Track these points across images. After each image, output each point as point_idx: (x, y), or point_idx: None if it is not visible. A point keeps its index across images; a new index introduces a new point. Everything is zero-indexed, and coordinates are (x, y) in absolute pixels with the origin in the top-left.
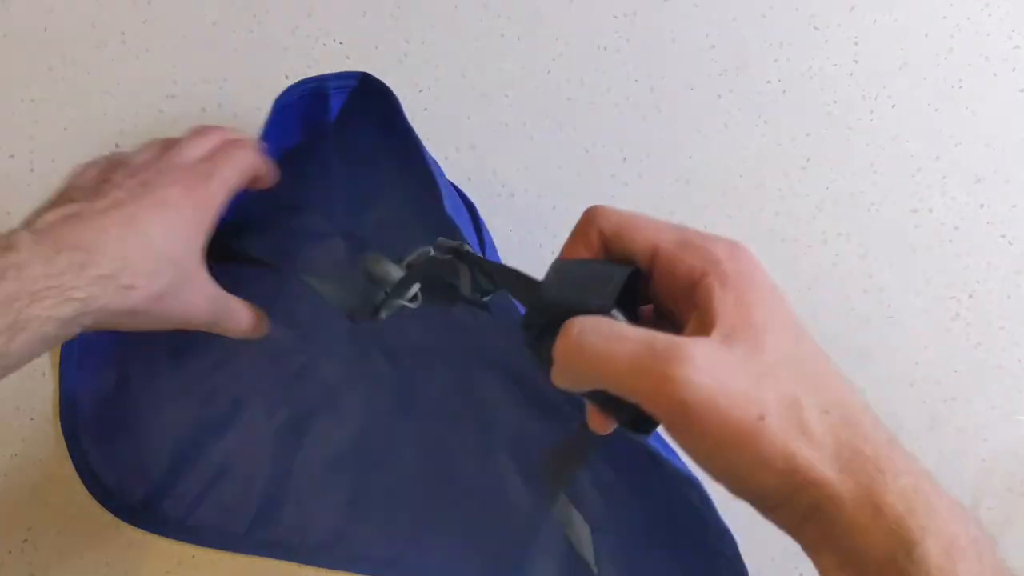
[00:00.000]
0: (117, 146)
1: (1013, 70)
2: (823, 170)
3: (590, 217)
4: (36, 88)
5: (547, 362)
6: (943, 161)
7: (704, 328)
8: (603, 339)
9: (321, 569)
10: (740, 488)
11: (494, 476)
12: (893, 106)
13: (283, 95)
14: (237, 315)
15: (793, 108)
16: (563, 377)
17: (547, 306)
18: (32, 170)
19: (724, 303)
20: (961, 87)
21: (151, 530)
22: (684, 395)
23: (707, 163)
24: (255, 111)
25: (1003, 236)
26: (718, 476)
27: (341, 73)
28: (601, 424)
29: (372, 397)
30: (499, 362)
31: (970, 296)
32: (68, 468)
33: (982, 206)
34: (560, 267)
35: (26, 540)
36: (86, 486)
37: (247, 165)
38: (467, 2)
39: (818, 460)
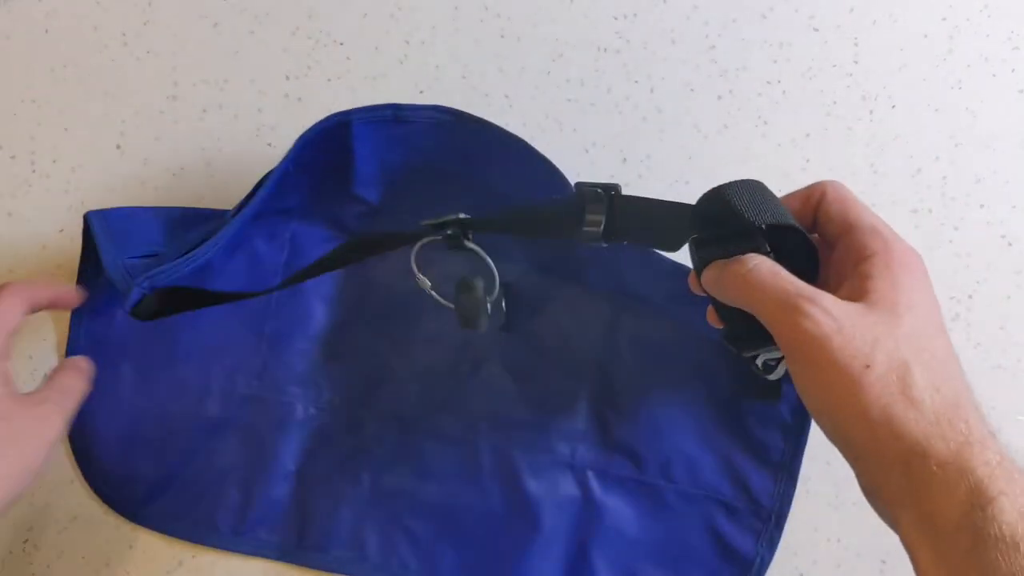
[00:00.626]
0: (118, 147)
1: (1013, 71)
2: (823, 170)
3: (823, 186)
4: (37, 89)
5: (703, 263)
6: (943, 161)
7: (855, 295)
8: (770, 274)
9: (321, 571)
10: (834, 429)
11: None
12: (893, 106)
13: (307, 132)
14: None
15: (793, 108)
16: (718, 288)
17: (725, 202)
18: (33, 171)
19: (881, 279)
20: (961, 88)
21: (152, 528)
22: (806, 326)
23: (707, 163)
24: (256, 112)
25: (1003, 236)
26: (818, 415)
27: (368, 107)
28: (715, 320)
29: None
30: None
31: (970, 296)
32: (69, 468)
33: (982, 206)
34: (743, 185)
35: (26, 540)
36: (88, 482)
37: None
38: (467, 2)
39: (914, 420)
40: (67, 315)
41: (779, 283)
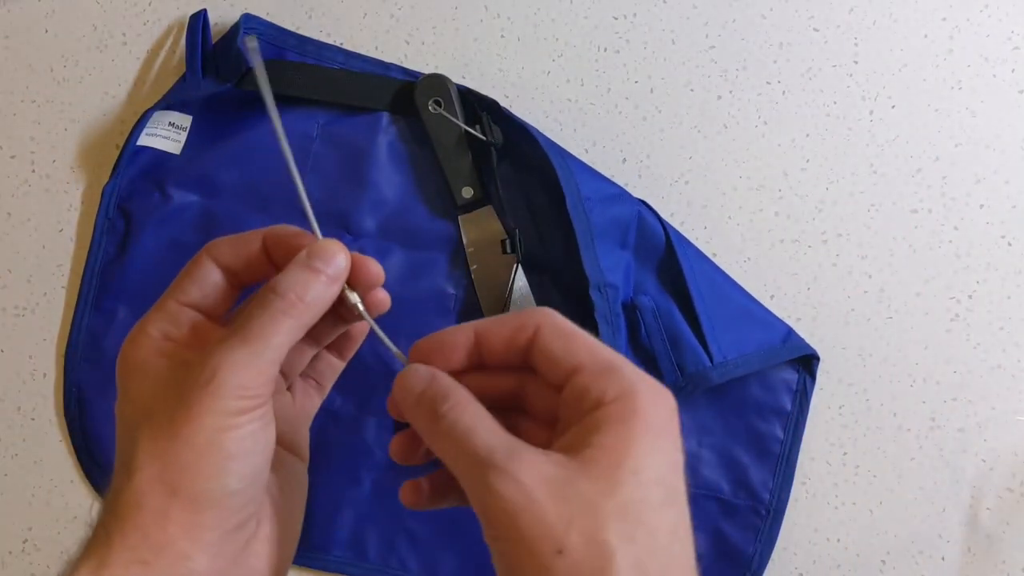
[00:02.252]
0: (117, 147)
1: (1012, 71)
2: (823, 170)
3: (535, 318)
4: (37, 89)
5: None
6: (943, 161)
7: (572, 449)
8: (463, 429)
9: (321, 571)
10: None
11: None
12: (893, 107)
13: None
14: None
15: (793, 109)
16: (411, 421)
17: None
18: (33, 171)
19: (608, 433)
20: (961, 88)
21: None
22: (490, 500)
23: (707, 163)
24: None
25: (1003, 236)
26: None
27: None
28: (401, 454)
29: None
30: None
31: (970, 296)
32: (69, 469)
33: (982, 206)
34: None
35: (26, 540)
36: (88, 482)
37: None
38: (467, 2)
39: None
40: (67, 312)
41: (469, 444)
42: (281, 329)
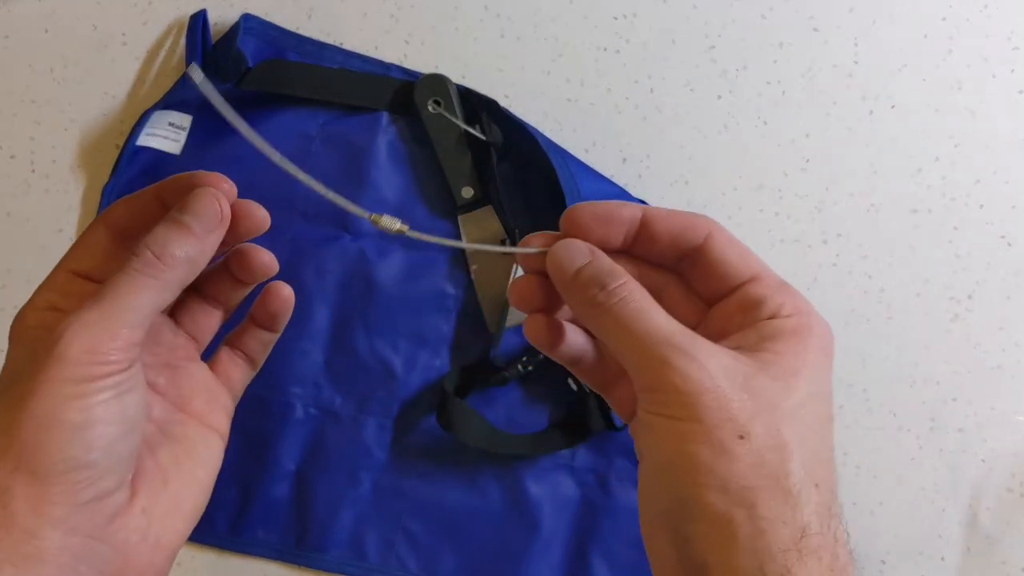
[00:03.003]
0: (117, 147)
1: (1012, 71)
2: (823, 170)
3: (708, 225)
4: (37, 89)
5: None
6: (943, 161)
7: (749, 348)
8: (637, 312)
9: (320, 571)
10: (674, 493)
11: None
12: (893, 107)
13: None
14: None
15: (793, 109)
16: (569, 300)
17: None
18: (33, 171)
19: (787, 342)
20: (960, 88)
21: None
22: (673, 379)
23: (707, 163)
24: None
25: (1003, 236)
26: (658, 472)
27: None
28: (538, 335)
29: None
30: None
31: (970, 296)
32: None
33: (982, 206)
34: None
35: None
36: None
37: None
38: (467, 2)
39: (783, 522)
40: None
41: (647, 324)
42: (137, 289)
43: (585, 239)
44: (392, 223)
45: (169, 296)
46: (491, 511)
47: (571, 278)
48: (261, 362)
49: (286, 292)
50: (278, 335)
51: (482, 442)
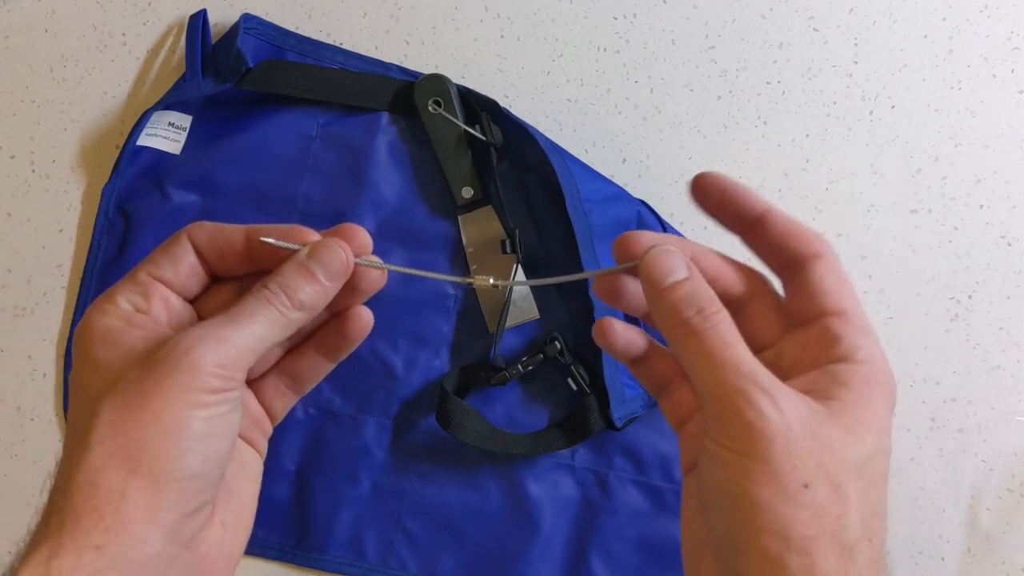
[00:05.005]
0: (116, 147)
1: (1012, 71)
2: (823, 171)
3: (823, 247)
4: (37, 89)
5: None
6: (943, 162)
7: (819, 393)
8: (722, 343)
9: (320, 571)
10: (733, 528)
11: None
12: (893, 107)
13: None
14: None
15: (793, 109)
16: (654, 311)
17: None
18: (33, 171)
19: (855, 392)
20: (960, 88)
21: None
22: (750, 417)
23: (707, 163)
24: None
25: (1003, 236)
26: (720, 504)
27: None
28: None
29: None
30: None
31: (970, 296)
32: None
33: (982, 206)
34: None
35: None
36: None
37: None
38: (467, 2)
39: (838, 572)
40: (67, 312)
41: (733, 356)
42: (268, 320)
43: (706, 206)
44: (485, 281)
45: (286, 334)
46: (491, 511)
47: (664, 290)
48: (308, 389)
49: (367, 318)
50: (334, 365)
51: (482, 442)
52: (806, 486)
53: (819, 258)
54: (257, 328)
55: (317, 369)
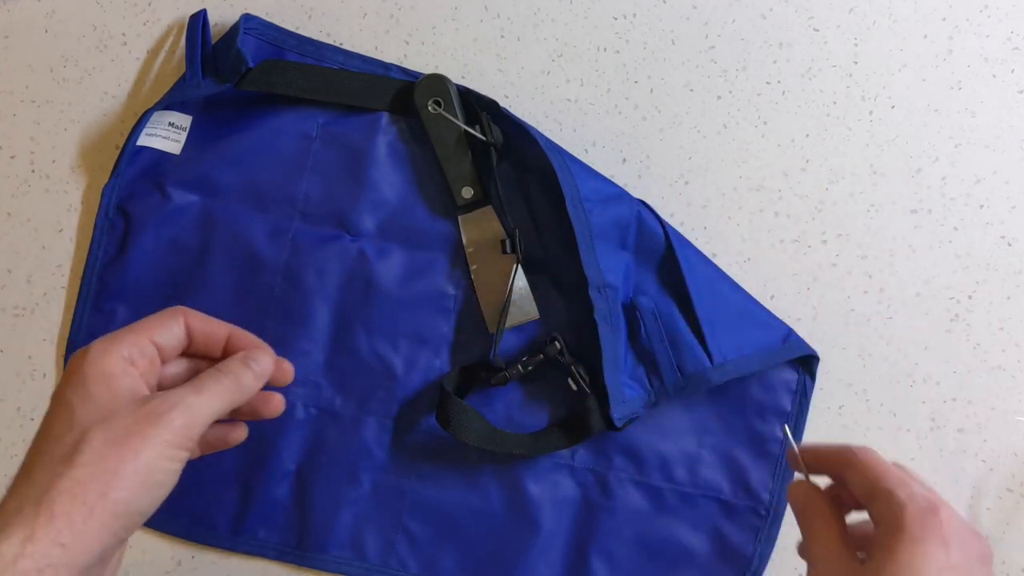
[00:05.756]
0: (116, 147)
1: (1012, 71)
2: (823, 171)
3: (851, 452)
4: (37, 89)
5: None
6: (943, 162)
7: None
8: (822, 532)
9: (320, 571)
10: None
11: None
12: (893, 107)
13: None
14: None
15: (793, 109)
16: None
17: None
18: (33, 171)
19: (885, 557)
20: (960, 88)
21: (152, 528)
22: None
23: (707, 163)
24: None
25: (1003, 237)
26: None
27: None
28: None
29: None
30: None
31: (970, 296)
32: None
33: (982, 206)
34: None
35: None
36: None
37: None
38: (467, 2)
39: None
40: (67, 312)
41: (814, 549)
42: (222, 393)
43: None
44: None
45: (226, 411)
46: (491, 511)
47: (797, 508)
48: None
49: (277, 404)
50: (225, 448)
51: (482, 441)
52: None
53: (851, 459)
54: (216, 400)
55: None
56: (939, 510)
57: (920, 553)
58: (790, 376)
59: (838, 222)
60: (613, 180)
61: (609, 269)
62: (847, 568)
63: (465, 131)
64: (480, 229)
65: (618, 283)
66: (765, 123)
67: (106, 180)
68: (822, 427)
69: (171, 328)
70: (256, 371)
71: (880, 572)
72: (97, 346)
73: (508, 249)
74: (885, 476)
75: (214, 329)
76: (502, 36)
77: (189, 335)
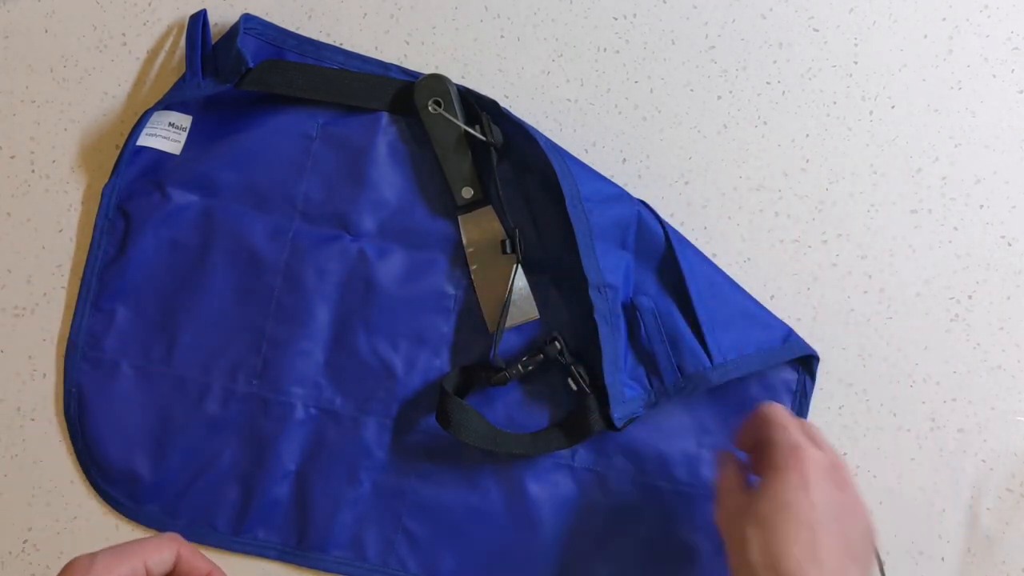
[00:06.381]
0: (116, 147)
1: (1012, 71)
2: (823, 171)
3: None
4: (37, 89)
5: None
6: (943, 162)
7: (769, 485)
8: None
9: (320, 571)
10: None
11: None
12: (893, 107)
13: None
14: None
15: (793, 109)
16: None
17: None
18: (33, 171)
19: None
20: (960, 88)
21: (152, 528)
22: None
23: (707, 164)
24: None
25: (1003, 236)
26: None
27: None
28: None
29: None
30: None
31: (970, 297)
32: (69, 469)
33: (982, 206)
34: None
35: (26, 541)
36: (88, 482)
37: None
38: (467, 2)
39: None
40: (67, 312)
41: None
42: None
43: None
44: None
45: None
46: (491, 511)
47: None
48: None
49: None
50: None
51: (482, 442)
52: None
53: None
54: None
55: None
56: (802, 451)
57: (781, 480)
58: (790, 376)
59: (838, 222)
60: (613, 180)
61: (609, 269)
62: (738, 499)
63: (465, 131)
64: (480, 229)
65: (618, 283)
66: (765, 123)
67: (106, 180)
68: (822, 427)
69: (164, 554)
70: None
71: (755, 500)
72: (102, 561)
73: (508, 249)
74: (771, 424)
75: (199, 563)
76: (502, 36)
77: (176, 563)
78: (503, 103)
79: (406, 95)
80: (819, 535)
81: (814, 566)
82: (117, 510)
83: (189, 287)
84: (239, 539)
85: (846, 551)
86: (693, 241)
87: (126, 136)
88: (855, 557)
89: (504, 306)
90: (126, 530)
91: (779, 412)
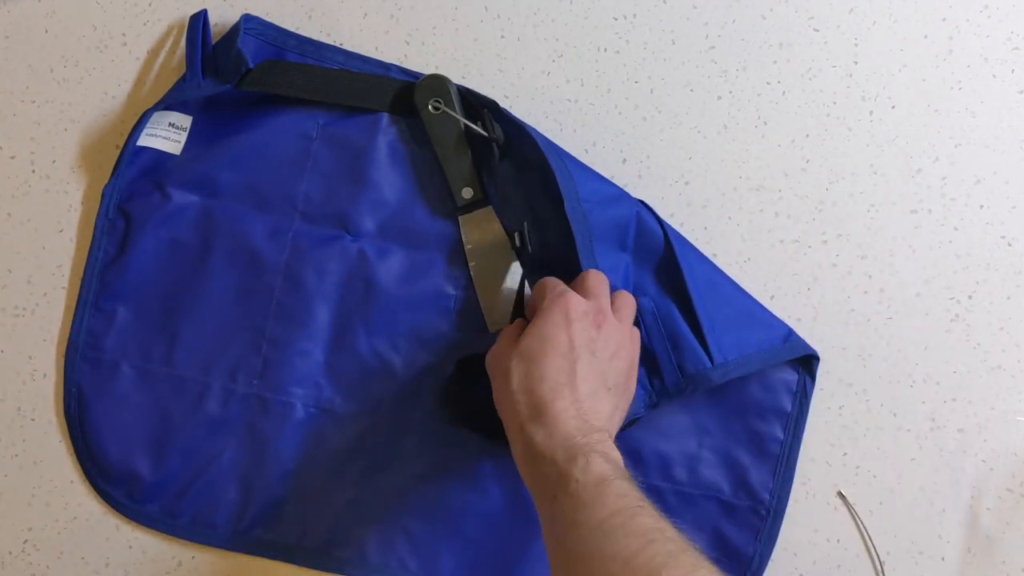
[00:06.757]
0: (116, 147)
1: (1012, 71)
2: (823, 171)
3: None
4: (37, 89)
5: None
6: (943, 162)
7: (534, 323)
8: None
9: (321, 571)
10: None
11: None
12: (893, 107)
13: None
14: None
15: (793, 109)
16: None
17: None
18: (33, 171)
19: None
20: (960, 88)
21: (152, 528)
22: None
23: (707, 164)
24: None
25: (1003, 237)
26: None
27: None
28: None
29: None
30: None
31: (970, 297)
32: (69, 469)
33: (982, 207)
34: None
35: (26, 541)
36: (88, 482)
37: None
38: (467, 3)
39: (513, 414)
40: (67, 312)
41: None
42: None
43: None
44: None
45: None
46: (491, 510)
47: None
48: None
49: None
50: None
51: (482, 441)
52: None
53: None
54: None
55: None
56: (566, 296)
57: (543, 318)
58: (790, 376)
59: (838, 222)
60: (613, 180)
61: (608, 270)
62: (509, 341)
63: (466, 129)
64: (480, 229)
65: (617, 284)
66: (765, 123)
67: (106, 180)
68: (822, 427)
69: None
70: None
71: (521, 338)
72: None
73: (508, 249)
74: (545, 285)
75: None
76: (502, 36)
77: None
78: (503, 103)
79: (406, 95)
80: (575, 365)
81: (569, 390)
82: (117, 510)
83: (189, 287)
84: (239, 539)
85: (601, 380)
86: (693, 241)
87: (126, 136)
88: (610, 387)
89: (504, 306)
90: (126, 530)
91: (552, 278)
